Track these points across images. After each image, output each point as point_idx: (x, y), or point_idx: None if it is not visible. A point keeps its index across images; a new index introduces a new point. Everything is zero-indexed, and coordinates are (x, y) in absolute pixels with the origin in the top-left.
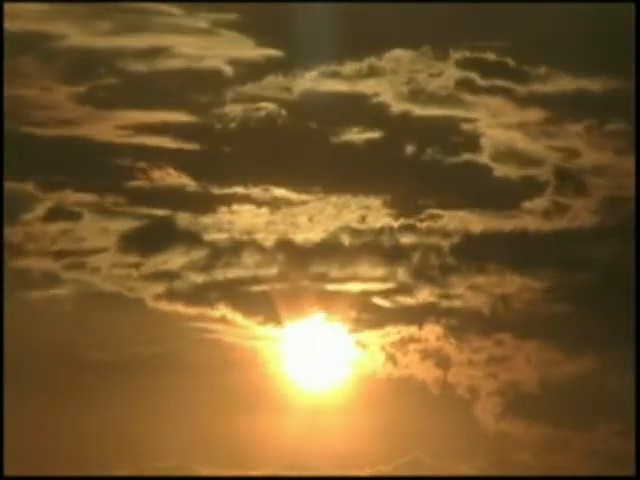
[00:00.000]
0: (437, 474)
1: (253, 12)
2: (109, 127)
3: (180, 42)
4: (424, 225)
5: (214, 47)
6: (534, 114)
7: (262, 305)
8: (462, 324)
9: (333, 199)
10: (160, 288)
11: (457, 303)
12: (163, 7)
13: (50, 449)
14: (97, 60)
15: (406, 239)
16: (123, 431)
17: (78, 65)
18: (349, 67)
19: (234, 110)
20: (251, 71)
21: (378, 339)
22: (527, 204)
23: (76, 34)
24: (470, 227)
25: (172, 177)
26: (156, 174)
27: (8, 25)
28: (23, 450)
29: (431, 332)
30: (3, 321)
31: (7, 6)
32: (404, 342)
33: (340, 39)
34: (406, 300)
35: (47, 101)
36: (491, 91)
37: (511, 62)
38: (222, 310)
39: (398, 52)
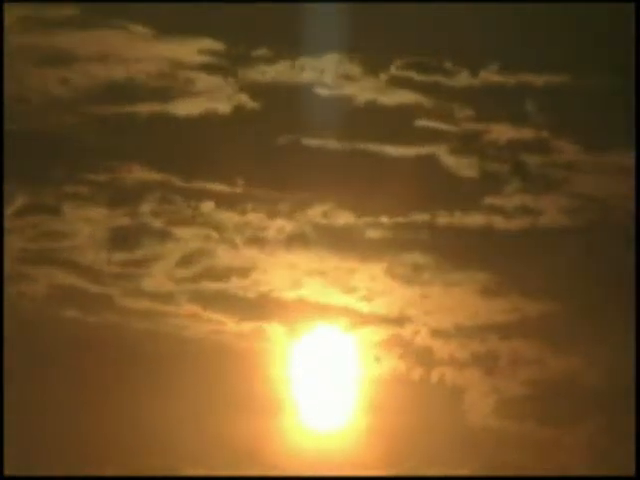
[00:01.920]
0: (431, 474)
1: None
2: (74, 120)
3: (141, 35)
4: (391, 221)
5: (176, 41)
6: (491, 108)
7: (237, 304)
8: (446, 323)
9: (295, 196)
10: (129, 284)
11: (439, 301)
12: None
13: (47, 449)
14: (63, 53)
15: (374, 235)
16: (117, 431)
17: (45, 58)
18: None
19: (198, 104)
20: (218, 64)
21: (361, 341)
22: (493, 199)
23: (45, 25)
24: (439, 222)
25: (139, 172)
26: (123, 169)
27: None
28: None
29: (414, 332)
30: (3, 321)
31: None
32: (388, 344)
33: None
34: (386, 300)
35: (15, 95)
36: (438, 86)
37: (454, 62)
38: (194, 308)
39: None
